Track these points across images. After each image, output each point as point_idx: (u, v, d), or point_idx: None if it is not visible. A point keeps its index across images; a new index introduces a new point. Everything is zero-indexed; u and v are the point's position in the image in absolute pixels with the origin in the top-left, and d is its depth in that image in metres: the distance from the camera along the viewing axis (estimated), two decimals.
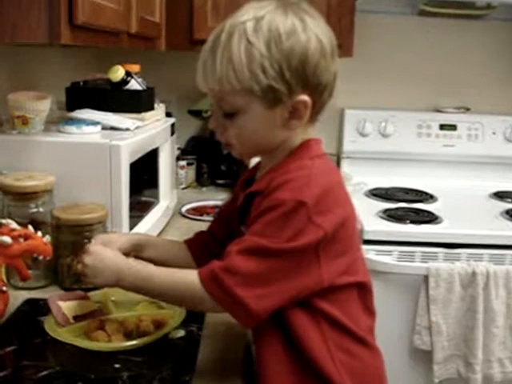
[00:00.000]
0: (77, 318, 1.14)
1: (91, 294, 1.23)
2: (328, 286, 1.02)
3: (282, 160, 1.06)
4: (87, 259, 1.09)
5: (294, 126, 1.04)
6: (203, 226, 1.92)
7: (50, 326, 1.10)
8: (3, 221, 1.23)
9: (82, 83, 1.84)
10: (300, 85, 1.00)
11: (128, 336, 1.11)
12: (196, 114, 2.37)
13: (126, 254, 1.17)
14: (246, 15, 1.00)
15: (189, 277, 1.00)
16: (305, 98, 1.00)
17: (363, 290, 1.11)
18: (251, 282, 0.96)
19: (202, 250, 1.23)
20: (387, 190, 2.42)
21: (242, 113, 1.01)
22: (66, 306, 1.16)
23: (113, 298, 1.22)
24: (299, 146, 1.07)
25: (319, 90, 1.02)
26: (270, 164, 1.08)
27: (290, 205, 0.96)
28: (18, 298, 1.30)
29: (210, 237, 1.26)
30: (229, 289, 0.95)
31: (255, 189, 1.05)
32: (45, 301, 1.20)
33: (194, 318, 1.18)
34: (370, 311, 1.14)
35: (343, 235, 1.02)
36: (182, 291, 1.01)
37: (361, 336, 1.09)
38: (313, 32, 1.00)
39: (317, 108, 1.04)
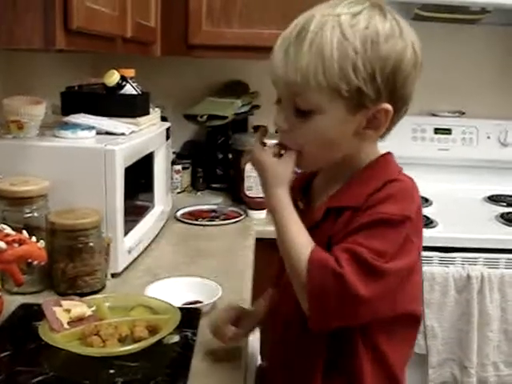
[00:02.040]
0: (71, 324, 1.14)
1: (86, 299, 1.23)
2: (397, 314, 0.97)
3: (364, 172, 0.99)
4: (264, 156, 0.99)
5: (368, 137, 0.97)
6: (199, 231, 1.94)
7: (44, 332, 1.09)
8: None
9: (77, 88, 1.84)
10: (387, 93, 0.92)
11: (122, 341, 1.10)
12: (191, 118, 2.36)
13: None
14: (338, 8, 0.91)
15: (303, 246, 0.92)
16: (388, 106, 0.93)
17: (417, 324, 1.06)
18: (350, 295, 0.87)
19: None
20: None
21: (319, 112, 0.93)
22: (60, 312, 1.15)
23: (107, 304, 1.22)
24: (379, 158, 1.01)
25: (401, 103, 0.96)
26: (339, 175, 1.01)
27: (398, 219, 0.90)
28: (12, 302, 1.29)
29: None
30: (327, 294, 0.88)
31: (345, 204, 0.97)
32: (39, 306, 1.19)
33: (188, 323, 1.19)
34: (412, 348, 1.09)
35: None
36: (291, 253, 0.93)
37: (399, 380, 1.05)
38: (410, 39, 0.93)
39: (394, 121, 0.97)
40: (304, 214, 1.04)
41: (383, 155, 1.03)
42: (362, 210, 0.93)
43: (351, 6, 0.92)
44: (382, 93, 0.92)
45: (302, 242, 0.93)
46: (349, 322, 0.93)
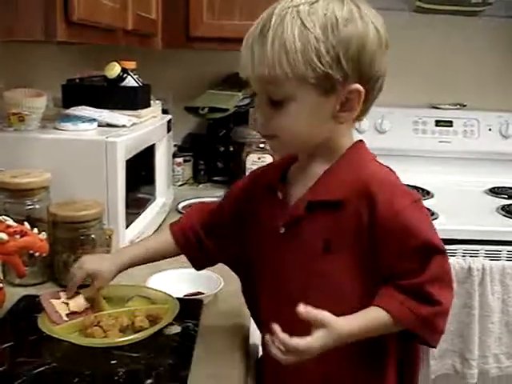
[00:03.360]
0: (70, 316, 1.14)
1: (83, 290, 1.23)
2: None
3: (340, 162, 1.01)
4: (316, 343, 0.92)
5: (344, 119, 0.98)
6: None
7: (43, 323, 1.10)
8: None
9: (78, 80, 1.84)
10: (355, 74, 0.94)
11: (123, 332, 1.11)
12: (193, 110, 2.36)
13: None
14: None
15: (382, 319, 0.95)
16: (359, 87, 0.95)
17: None
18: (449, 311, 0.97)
19: (187, 237, 1.20)
20: None
21: (291, 100, 0.95)
22: (58, 304, 1.15)
23: (105, 295, 1.22)
24: (353, 147, 1.03)
25: (372, 82, 0.97)
26: (316, 163, 1.03)
27: (417, 204, 0.97)
28: (14, 294, 1.29)
29: (205, 217, 1.21)
30: (439, 329, 0.96)
31: (327, 197, 0.99)
32: None
33: (190, 314, 1.19)
34: None
35: None
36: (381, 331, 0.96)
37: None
38: (370, 20, 0.95)
39: (367, 103, 0.99)
40: (282, 205, 1.06)
41: (356, 144, 1.05)
42: (375, 210, 0.95)
43: None
44: (349, 74, 0.93)
45: (381, 323, 0.95)
46: None
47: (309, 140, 1.01)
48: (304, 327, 0.94)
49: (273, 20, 0.93)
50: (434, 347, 1.00)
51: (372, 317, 0.95)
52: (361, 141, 1.06)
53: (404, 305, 0.94)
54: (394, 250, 0.95)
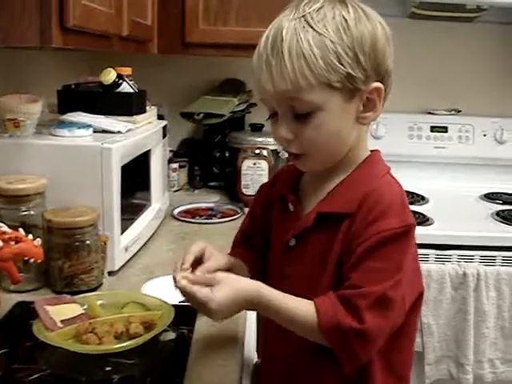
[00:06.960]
0: (64, 322, 1.14)
1: (77, 297, 1.23)
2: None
3: (354, 174, 1.01)
4: (217, 293, 0.93)
5: (368, 120, 0.99)
6: (195, 229, 1.94)
7: (38, 330, 1.09)
8: None
9: (73, 86, 1.84)
10: (373, 71, 0.96)
11: (118, 338, 1.10)
12: (188, 116, 2.36)
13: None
14: (300, 10, 0.95)
15: (307, 312, 0.93)
16: (379, 84, 0.97)
17: (421, 301, 1.07)
18: (374, 341, 0.93)
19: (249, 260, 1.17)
20: None
21: (318, 110, 0.94)
22: (53, 311, 1.15)
23: (100, 302, 1.22)
24: (368, 159, 1.03)
25: (387, 78, 0.99)
26: (332, 175, 1.02)
27: (402, 231, 0.93)
28: (9, 301, 1.29)
29: (246, 247, 1.21)
30: (355, 353, 0.92)
31: (336, 210, 0.98)
32: None
33: (184, 320, 1.19)
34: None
35: None
36: (300, 324, 0.94)
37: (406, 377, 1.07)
38: (375, 18, 0.98)
39: (384, 99, 1.00)
40: (294, 217, 1.05)
41: (371, 154, 1.05)
42: (361, 225, 0.93)
43: (311, 5, 0.95)
44: (368, 71, 0.95)
45: (300, 316, 0.93)
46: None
47: (337, 152, 1.01)
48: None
49: (283, 33, 0.93)
50: (345, 371, 0.94)
51: (297, 299, 0.94)
52: (376, 151, 1.06)
53: (333, 305, 0.92)
54: (351, 263, 0.94)
